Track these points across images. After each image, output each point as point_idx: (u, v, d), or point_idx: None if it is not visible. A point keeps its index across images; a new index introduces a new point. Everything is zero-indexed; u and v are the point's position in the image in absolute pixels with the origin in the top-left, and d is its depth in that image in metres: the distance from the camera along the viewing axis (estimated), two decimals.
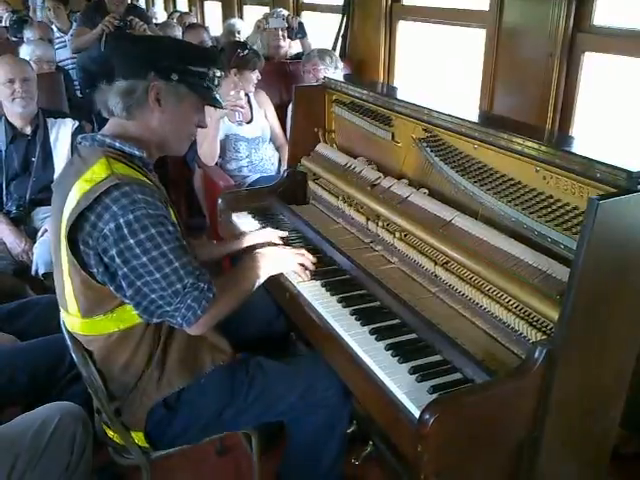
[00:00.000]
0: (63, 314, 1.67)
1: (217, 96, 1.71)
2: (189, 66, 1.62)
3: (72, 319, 1.62)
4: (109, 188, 1.46)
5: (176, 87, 1.61)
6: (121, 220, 1.45)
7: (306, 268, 1.92)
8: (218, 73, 1.68)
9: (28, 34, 4.66)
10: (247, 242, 2.11)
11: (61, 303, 1.65)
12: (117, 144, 1.59)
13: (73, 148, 3.12)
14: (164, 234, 1.49)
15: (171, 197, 1.71)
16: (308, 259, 1.93)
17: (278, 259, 1.87)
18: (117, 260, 1.47)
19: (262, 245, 2.06)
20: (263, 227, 2.35)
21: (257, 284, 1.75)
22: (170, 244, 1.50)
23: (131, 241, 1.46)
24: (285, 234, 2.19)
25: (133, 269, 1.48)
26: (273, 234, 2.16)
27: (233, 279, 1.73)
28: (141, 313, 1.55)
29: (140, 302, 1.53)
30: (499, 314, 1.61)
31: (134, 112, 1.61)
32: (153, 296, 1.51)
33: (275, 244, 2.10)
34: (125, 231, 1.45)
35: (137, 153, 1.60)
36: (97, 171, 1.50)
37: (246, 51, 3.42)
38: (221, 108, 1.85)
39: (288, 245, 2.14)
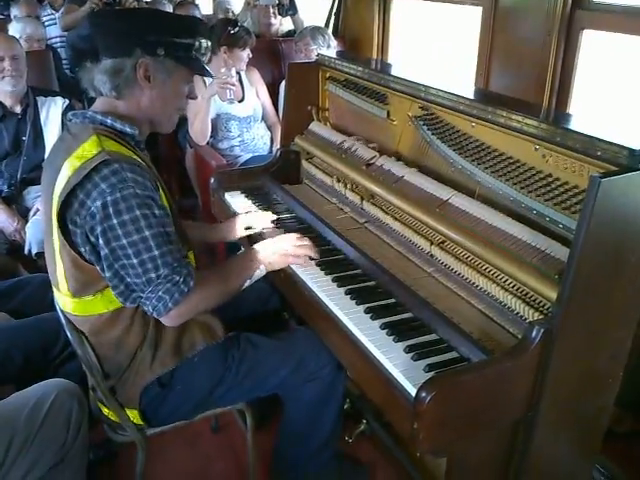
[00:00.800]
0: (55, 293, 1.65)
1: (206, 66, 1.69)
2: (175, 39, 1.58)
3: (64, 298, 1.61)
4: (99, 165, 1.43)
5: (164, 62, 1.58)
6: (108, 198, 1.42)
7: (311, 258, 1.86)
8: (205, 43, 1.64)
9: (15, 11, 4.58)
10: (240, 229, 2.09)
11: (53, 282, 1.64)
12: (109, 121, 1.56)
13: (63, 126, 3.09)
14: (149, 217, 1.47)
15: (163, 177, 1.69)
16: (308, 246, 1.85)
17: (275, 258, 1.78)
18: (100, 240, 1.45)
19: (260, 235, 2.04)
20: (259, 207, 2.33)
21: (248, 283, 1.72)
22: (153, 229, 1.47)
23: (114, 221, 1.43)
24: (275, 217, 2.15)
25: (112, 250, 1.46)
26: (267, 219, 2.13)
27: (220, 275, 1.70)
28: (117, 296, 1.54)
29: (117, 285, 1.52)
30: (496, 294, 1.60)
31: (123, 91, 1.58)
32: (128, 280, 1.50)
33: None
34: (110, 210, 1.43)
35: (129, 131, 1.58)
36: (88, 148, 1.47)
37: (237, 28, 3.37)
38: (210, 77, 1.82)
39: (283, 227, 2.12)
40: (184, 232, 1.73)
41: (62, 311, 1.64)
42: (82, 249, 1.50)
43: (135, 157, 1.53)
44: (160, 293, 1.50)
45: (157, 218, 1.48)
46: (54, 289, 1.66)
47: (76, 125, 1.58)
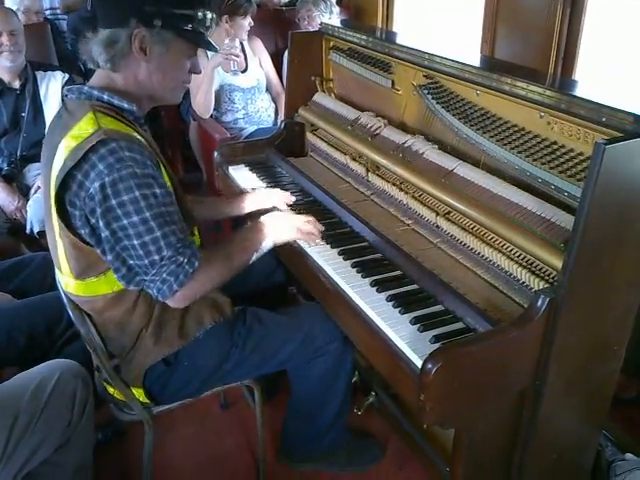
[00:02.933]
0: (58, 274, 1.63)
1: (209, 39, 1.62)
2: (173, 9, 1.50)
3: (66, 279, 1.58)
4: (96, 145, 1.38)
5: (160, 33, 1.50)
6: (106, 179, 1.37)
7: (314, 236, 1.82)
8: (209, 15, 1.57)
9: None
10: (251, 206, 2.04)
11: (55, 263, 1.61)
12: (105, 96, 1.51)
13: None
14: (149, 197, 1.42)
15: (166, 152, 1.66)
16: (316, 227, 1.82)
17: (283, 229, 1.75)
18: (100, 222, 1.41)
19: (267, 211, 1.98)
20: (263, 180, 2.31)
21: (256, 256, 1.68)
22: (154, 209, 1.42)
23: (113, 202, 1.39)
24: (293, 199, 2.08)
25: (113, 232, 1.42)
26: (281, 199, 2.07)
27: (226, 252, 1.64)
28: (120, 279, 1.51)
29: (119, 268, 1.48)
30: (501, 263, 1.59)
31: (118, 63, 1.52)
32: (131, 262, 1.47)
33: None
34: (109, 191, 1.38)
35: (126, 106, 1.53)
36: (84, 127, 1.42)
37: None
38: (215, 52, 1.76)
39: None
40: (188, 209, 1.68)
41: (64, 291, 1.62)
42: (81, 231, 1.46)
43: (134, 134, 1.48)
44: (164, 275, 1.46)
45: (157, 198, 1.44)
46: (56, 270, 1.63)
47: (72, 101, 1.53)
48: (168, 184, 1.53)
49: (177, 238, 1.47)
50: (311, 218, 1.83)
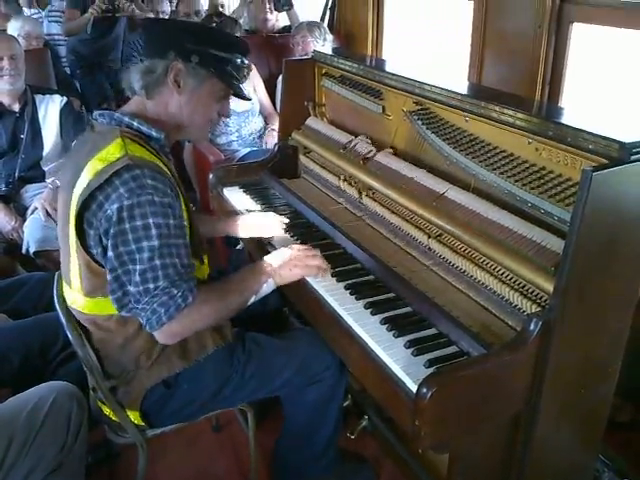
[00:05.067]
0: (66, 289, 1.64)
1: (242, 86, 1.69)
2: (211, 50, 1.59)
3: (75, 295, 1.60)
4: (120, 169, 1.42)
5: (196, 69, 1.57)
6: (125, 203, 1.41)
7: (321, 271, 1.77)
8: (245, 62, 1.65)
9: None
10: (246, 229, 2.05)
11: (65, 279, 1.62)
12: (135, 123, 1.56)
13: (62, 124, 3.11)
14: (161, 227, 1.44)
15: None
16: (322, 260, 1.76)
17: (285, 270, 1.70)
18: (109, 242, 1.44)
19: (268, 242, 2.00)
20: (262, 205, 2.33)
21: (255, 298, 1.66)
22: (162, 239, 1.45)
23: (126, 225, 1.42)
24: (286, 220, 2.08)
25: (119, 255, 1.44)
26: (275, 222, 2.06)
27: (223, 290, 1.63)
28: (114, 301, 1.50)
29: (115, 290, 1.49)
30: (494, 286, 1.61)
31: (152, 91, 1.59)
32: (127, 288, 1.48)
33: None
34: (125, 214, 1.42)
35: (155, 134, 1.58)
36: (112, 151, 1.47)
37: (222, 18, 3.40)
38: (245, 99, 1.81)
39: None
40: (201, 239, 1.71)
41: (66, 309, 1.63)
42: (94, 251, 1.48)
43: (159, 163, 1.52)
44: (155, 306, 1.46)
45: (169, 229, 1.46)
46: (64, 285, 1.64)
47: (102, 125, 1.57)
48: (185, 216, 1.55)
49: (176, 271, 1.48)
50: (317, 253, 1.78)
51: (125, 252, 1.44)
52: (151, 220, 1.43)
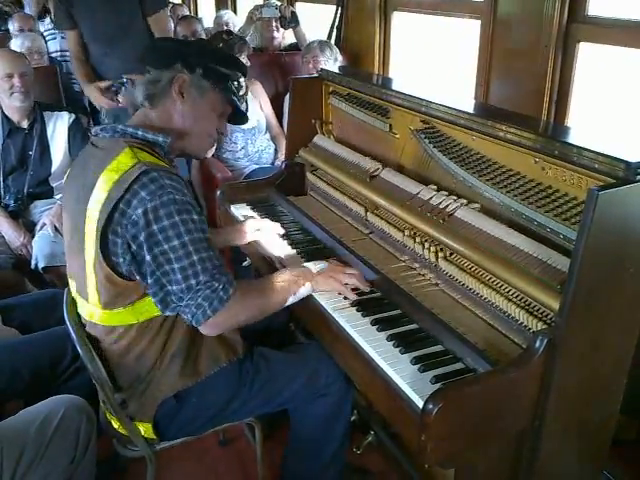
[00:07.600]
0: (82, 303, 1.66)
1: (242, 105, 1.76)
2: (215, 65, 1.67)
3: (91, 308, 1.61)
4: (139, 175, 1.46)
5: (200, 80, 1.65)
6: (149, 205, 1.45)
7: (354, 288, 1.81)
8: (243, 81, 1.74)
9: (11, 26, 4.68)
10: (252, 232, 2.13)
11: (81, 293, 1.64)
12: (140, 132, 1.59)
13: (70, 141, 3.14)
14: (188, 222, 1.49)
15: None
16: (361, 281, 1.82)
17: (324, 278, 1.77)
18: (143, 247, 1.47)
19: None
20: (265, 218, 2.36)
21: (292, 300, 1.70)
22: (192, 234, 1.49)
23: (155, 227, 1.46)
24: (283, 231, 2.20)
25: (154, 257, 1.48)
26: (271, 228, 2.17)
27: (263, 287, 1.68)
28: (157, 303, 1.55)
29: (157, 292, 1.53)
30: (500, 304, 1.62)
31: (156, 101, 1.64)
32: (169, 288, 1.51)
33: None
34: (151, 217, 1.45)
35: (160, 140, 1.61)
36: (123, 160, 1.50)
37: (231, 36, 3.43)
38: (243, 116, 1.85)
39: (290, 239, 2.17)
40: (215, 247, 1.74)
41: (84, 321, 1.65)
42: (120, 259, 1.50)
43: (168, 166, 1.57)
44: (199, 300, 1.50)
45: (195, 224, 1.50)
46: (79, 299, 1.66)
47: (104, 140, 1.60)
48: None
49: (213, 264, 1.52)
50: (356, 272, 1.84)
51: (160, 253, 1.48)
52: (177, 218, 1.47)
